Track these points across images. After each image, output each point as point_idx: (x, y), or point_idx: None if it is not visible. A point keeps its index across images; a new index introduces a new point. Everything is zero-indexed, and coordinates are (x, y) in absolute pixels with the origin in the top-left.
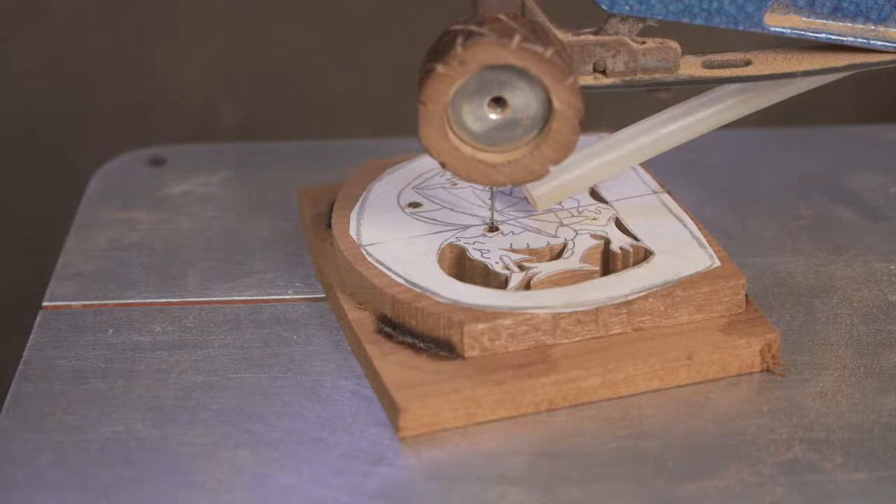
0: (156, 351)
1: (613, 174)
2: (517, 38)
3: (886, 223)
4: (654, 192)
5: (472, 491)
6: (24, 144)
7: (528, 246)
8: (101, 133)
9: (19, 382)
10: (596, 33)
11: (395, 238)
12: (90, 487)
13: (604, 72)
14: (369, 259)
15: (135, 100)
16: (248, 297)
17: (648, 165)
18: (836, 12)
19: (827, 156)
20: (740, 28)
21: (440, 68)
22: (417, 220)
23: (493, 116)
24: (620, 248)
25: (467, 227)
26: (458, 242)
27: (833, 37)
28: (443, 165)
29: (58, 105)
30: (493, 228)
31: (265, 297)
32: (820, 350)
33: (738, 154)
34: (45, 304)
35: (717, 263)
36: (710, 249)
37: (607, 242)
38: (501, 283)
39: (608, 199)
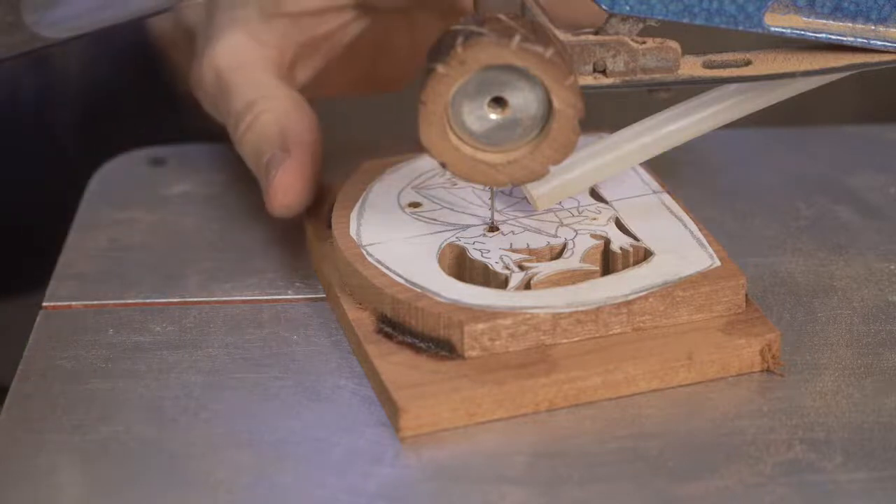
0: (156, 351)
1: (613, 174)
2: (517, 38)
3: (886, 223)
4: (654, 192)
5: (472, 491)
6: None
7: (528, 246)
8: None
9: (19, 382)
10: (596, 33)
11: (395, 238)
12: (90, 487)
13: (604, 72)
14: (369, 259)
15: None
16: (248, 297)
17: (648, 165)
18: (836, 12)
19: (827, 156)
20: (740, 28)
21: (440, 68)
22: (417, 220)
23: (493, 116)
24: (620, 248)
25: (467, 227)
26: (458, 242)
27: (833, 37)
28: (443, 165)
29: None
30: (493, 228)
31: (265, 297)
32: (820, 350)
33: (738, 154)
34: (45, 304)
35: (717, 263)
36: (710, 249)
37: (607, 242)
38: (501, 283)
39: (608, 199)
